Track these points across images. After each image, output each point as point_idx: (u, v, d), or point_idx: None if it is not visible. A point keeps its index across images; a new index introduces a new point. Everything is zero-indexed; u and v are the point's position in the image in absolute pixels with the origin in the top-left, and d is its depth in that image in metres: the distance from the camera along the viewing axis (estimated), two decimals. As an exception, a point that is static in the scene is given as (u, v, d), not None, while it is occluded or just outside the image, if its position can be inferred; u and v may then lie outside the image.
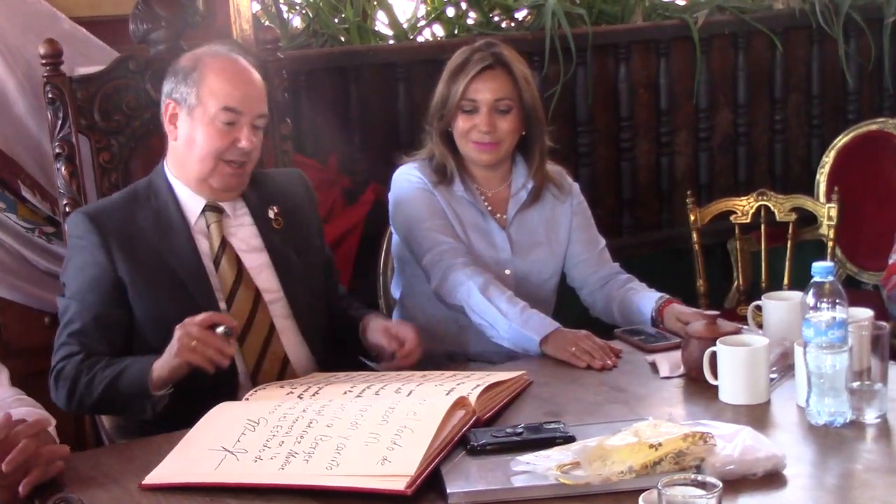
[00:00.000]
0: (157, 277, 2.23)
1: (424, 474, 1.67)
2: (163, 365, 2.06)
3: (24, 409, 1.99)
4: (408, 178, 2.67)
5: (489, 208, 2.69)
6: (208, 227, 2.31)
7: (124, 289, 2.21)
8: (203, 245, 2.29)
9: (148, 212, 2.28)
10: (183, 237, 2.28)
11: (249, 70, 2.31)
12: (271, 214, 2.38)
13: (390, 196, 2.72)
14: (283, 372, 2.28)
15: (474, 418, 1.89)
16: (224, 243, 2.30)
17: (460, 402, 1.86)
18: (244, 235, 2.35)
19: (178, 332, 2.04)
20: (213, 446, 1.81)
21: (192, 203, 2.31)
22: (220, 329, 2.05)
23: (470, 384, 2.01)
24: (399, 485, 1.63)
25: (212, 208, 2.31)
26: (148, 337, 2.21)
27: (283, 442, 1.78)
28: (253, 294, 2.28)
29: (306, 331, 2.35)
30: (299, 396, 2.02)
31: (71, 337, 2.20)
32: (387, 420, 1.78)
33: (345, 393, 2.02)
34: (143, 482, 1.77)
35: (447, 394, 1.95)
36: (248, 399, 2.06)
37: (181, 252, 2.26)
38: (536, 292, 2.67)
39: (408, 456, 1.68)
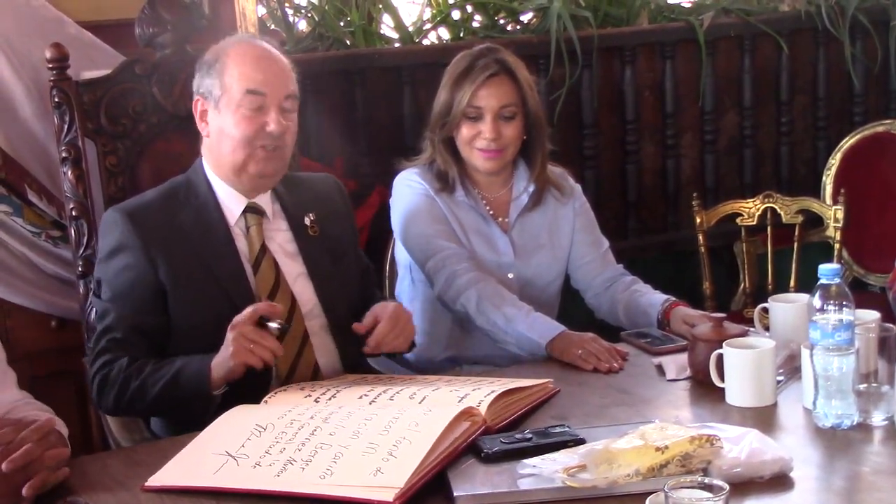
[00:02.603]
0: (196, 280, 2.19)
1: (416, 487, 1.66)
2: (220, 364, 2.05)
3: (35, 412, 2.00)
4: (409, 185, 2.67)
5: (491, 212, 2.69)
6: (248, 229, 2.27)
7: (164, 294, 2.18)
8: (242, 246, 2.25)
9: (188, 211, 2.24)
10: (223, 238, 2.24)
11: (270, 50, 2.25)
12: (307, 221, 2.34)
13: (391, 202, 2.72)
14: (314, 379, 2.24)
15: (483, 428, 1.87)
16: (264, 247, 2.26)
17: (467, 413, 1.85)
18: (281, 240, 2.31)
19: (231, 334, 2.04)
20: (217, 450, 1.82)
21: (232, 202, 2.27)
22: (273, 326, 2.06)
23: (485, 390, 1.99)
24: (387, 496, 1.62)
25: (252, 210, 2.28)
26: (184, 339, 2.18)
27: (284, 449, 1.78)
28: (289, 301, 2.25)
29: (340, 341, 2.31)
30: (315, 400, 2.03)
31: (111, 343, 2.17)
32: (388, 430, 1.78)
33: (360, 398, 2.02)
34: (146, 484, 1.78)
35: (459, 401, 1.94)
36: (266, 402, 2.06)
37: (221, 253, 2.22)
38: (540, 296, 2.67)
39: (401, 468, 1.67)
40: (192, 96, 2.29)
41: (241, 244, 2.26)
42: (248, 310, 2.07)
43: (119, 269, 2.20)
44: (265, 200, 2.31)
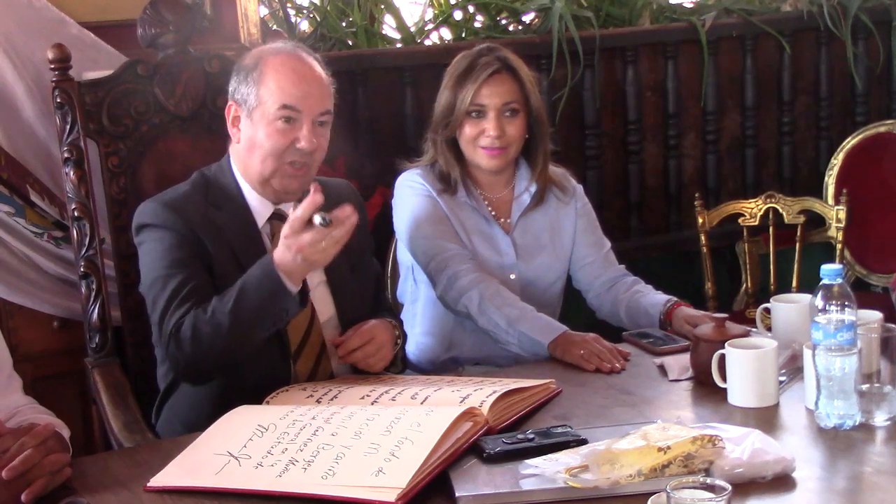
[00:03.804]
0: (228, 275, 2.18)
1: (418, 487, 1.66)
2: (285, 259, 2.04)
3: (37, 415, 2.00)
4: (410, 185, 2.67)
5: (493, 213, 2.69)
6: (273, 236, 2.26)
7: (211, 270, 2.20)
8: (268, 251, 2.25)
9: (220, 209, 2.25)
10: (253, 239, 2.25)
11: (311, 65, 2.24)
12: None
13: (393, 203, 2.72)
14: None
15: (485, 428, 1.87)
16: None
17: (469, 413, 1.85)
18: None
19: (291, 243, 2.03)
20: (219, 451, 1.82)
21: (259, 206, 2.28)
22: (318, 222, 2.02)
23: (487, 390, 1.99)
24: (390, 496, 1.62)
25: (278, 217, 2.27)
26: None
27: (286, 449, 1.78)
28: (309, 313, 2.25)
29: None
30: (317, 400, 2.03)
31: (181, 300, 2.12)
32: (390, 430, 1.78)
33: (362, 398, 2.02)
34: (148, 484, 1.79)
35: (461, 401, 1.94)
36: (268, 402, 2.06)
37: (252, 254, 2.21)
38: (542, 296, 2.66)
39: (403, 468, 1.67)
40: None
41: (268, 249, 2.26)
42: (296, 218, 2.03)
43: (172, 245, 2.19)
44: (289, 205, 2.30)
